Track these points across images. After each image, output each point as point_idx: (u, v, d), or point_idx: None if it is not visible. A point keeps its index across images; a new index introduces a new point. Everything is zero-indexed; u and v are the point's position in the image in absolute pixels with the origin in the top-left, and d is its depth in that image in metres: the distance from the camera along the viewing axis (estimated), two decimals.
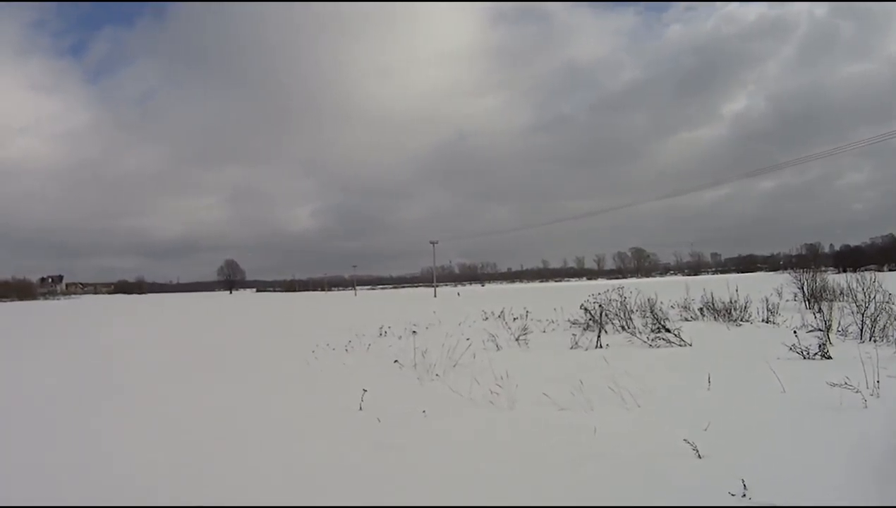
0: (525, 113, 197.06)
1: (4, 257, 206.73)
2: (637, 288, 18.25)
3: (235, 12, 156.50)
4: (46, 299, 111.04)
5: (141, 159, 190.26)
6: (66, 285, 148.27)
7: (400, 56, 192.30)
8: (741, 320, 15.07)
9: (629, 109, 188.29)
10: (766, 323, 14.61)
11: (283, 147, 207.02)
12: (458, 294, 66.79)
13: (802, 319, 13.07)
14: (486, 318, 20.59)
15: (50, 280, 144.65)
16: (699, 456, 4.62)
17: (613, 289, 15.57)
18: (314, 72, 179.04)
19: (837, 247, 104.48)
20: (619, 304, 15.06)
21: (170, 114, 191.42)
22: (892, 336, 10.64)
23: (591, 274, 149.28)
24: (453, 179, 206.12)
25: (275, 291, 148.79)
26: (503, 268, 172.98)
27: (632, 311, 15.21)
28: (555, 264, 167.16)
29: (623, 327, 14.16)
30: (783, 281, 21.11)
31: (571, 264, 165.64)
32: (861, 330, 11.17)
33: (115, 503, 4.32)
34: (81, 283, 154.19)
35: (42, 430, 6.71)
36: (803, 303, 18.16)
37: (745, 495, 3.89)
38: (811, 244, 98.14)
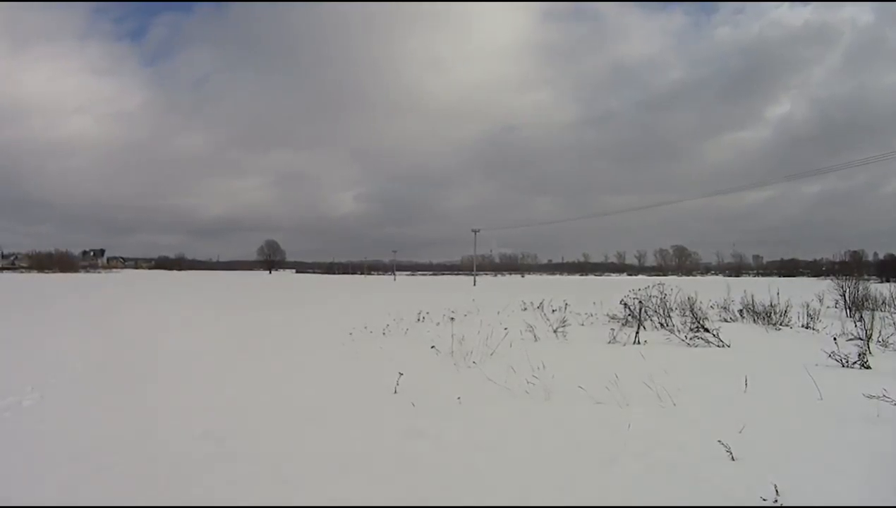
0: (571, 109, 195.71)
1: (53, 231, 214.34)
2: (677, 285, 18.10)
3: (292, 3, 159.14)
4: (87, 272, 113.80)
5: (190, 141, 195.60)
6: (108, 259, 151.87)
7: (451, 50, 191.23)
8: (781, 324, 14.90)
9: (675, 108, 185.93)
10: (806, 328, 14.39)
11: (330, 133, 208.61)
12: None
13: (843, 327, 12.86)
14: (525, 309, 20.71)
15: (92, 253, 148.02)
16: (733, 458, 4.64)
17: (654, 286, 15.45)
18: (366, 63, 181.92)
19: (882, 256, 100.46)
20: (658, 301, 15.00)
21: (221, 99, 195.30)
22: None
23: (632, 270, 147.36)
24: (498, 171, 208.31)
25: (314, 273, 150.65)
26: (544, 260, 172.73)
27: (671, 309, 15.17)
28: (596, 258, 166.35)
29: (662, 324, 14.17)
30: (825, 287, 20.72)
31: (612, 259, 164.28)
32: None
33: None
34: (122, 258, 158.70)
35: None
36: (844, 311, 17.81)
37: (776, 500, 3.88)
38: (855, 251, 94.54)
